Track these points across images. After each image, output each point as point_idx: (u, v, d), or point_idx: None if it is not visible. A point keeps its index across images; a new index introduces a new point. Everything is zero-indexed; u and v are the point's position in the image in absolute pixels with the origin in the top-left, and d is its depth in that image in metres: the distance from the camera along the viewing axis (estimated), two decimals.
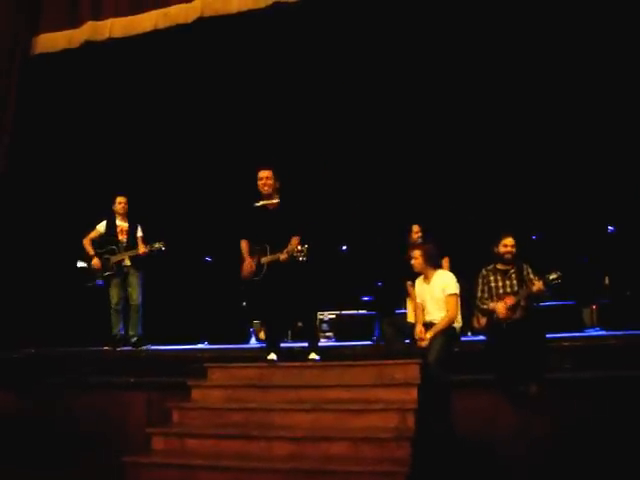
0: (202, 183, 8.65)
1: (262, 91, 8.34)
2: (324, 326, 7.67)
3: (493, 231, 5.18)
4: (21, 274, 7.38)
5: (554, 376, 4.57)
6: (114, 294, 6.54)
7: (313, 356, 4.99)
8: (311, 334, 5.30)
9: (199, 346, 6.77)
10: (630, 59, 7.00)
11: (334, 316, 7.82)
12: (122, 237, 6.62)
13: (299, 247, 5.00)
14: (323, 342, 6.88)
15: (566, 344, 4.87)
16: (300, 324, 6.90)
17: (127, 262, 6.55)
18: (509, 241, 4.94)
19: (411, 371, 4.45)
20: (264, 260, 5.21)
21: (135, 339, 6.44)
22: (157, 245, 6.45)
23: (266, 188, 5.24)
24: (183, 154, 8.76)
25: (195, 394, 4.64)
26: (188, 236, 7.57)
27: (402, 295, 5.83)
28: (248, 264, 5.27)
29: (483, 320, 4.94)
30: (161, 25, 6.90)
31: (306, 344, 5.23)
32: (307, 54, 7.97)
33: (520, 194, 7.83)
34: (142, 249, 6.47)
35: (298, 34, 7.61)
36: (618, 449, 4.30)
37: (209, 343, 6.45)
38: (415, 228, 6.03)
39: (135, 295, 6.53)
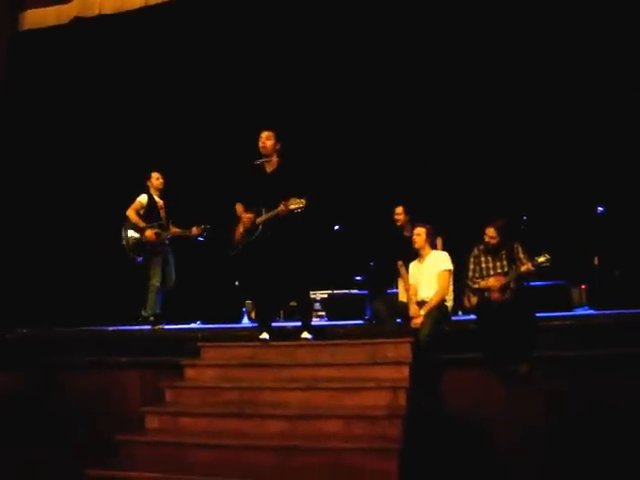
0: (201, 158, 8.58)
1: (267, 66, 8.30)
2: (316, 305, 7.71)
3: (483, 212, 5.22)
4: (17, 253, 7.37)
5: (543, 355, 4.63)
6: (156, 272, 6.33)
7: (305, 335, 4.98)
8: (304, 312, 5.26)
9: (192, 325, 6.78)
10: (617, 42, 7.04)
11: (326, 295, 7.86)
12: (162, 213, 6.46)
13: (297, 200, 4.91)
14: (315, 321, 6.91)
15: (555, 323, 4.91)
16: (293, 304, 6.94)
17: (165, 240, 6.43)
18: (489, 231, 5.00)
19: (403, 350, 4.50)
20: (259, 220, 5.11)
21: (153, 318, 6.30)
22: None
23: (264, 147, 5.16)
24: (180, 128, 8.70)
25: (188, 373, 4.67)
26: (180, 214, 7.52)
27: (394, 275, 5.87)
28: (247, 217, 5.14)
29: (474, 299, 4.99)
30: (152, 1, 6.80)
31: (298, 324, 5.25)
32: (312, 23, 7.95)
33: (510, 174, 7.85)
34: (195, 230, 6.30)
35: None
36: (607, 427, 4.38)
37: (202, 322, 6.45)
38: (398, 209, 6.00)
39: (174, 274, 6.43)
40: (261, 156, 5.22)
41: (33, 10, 7.53)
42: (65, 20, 7.46)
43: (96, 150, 8.41)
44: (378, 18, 7.82)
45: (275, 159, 5.23)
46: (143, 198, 6.41)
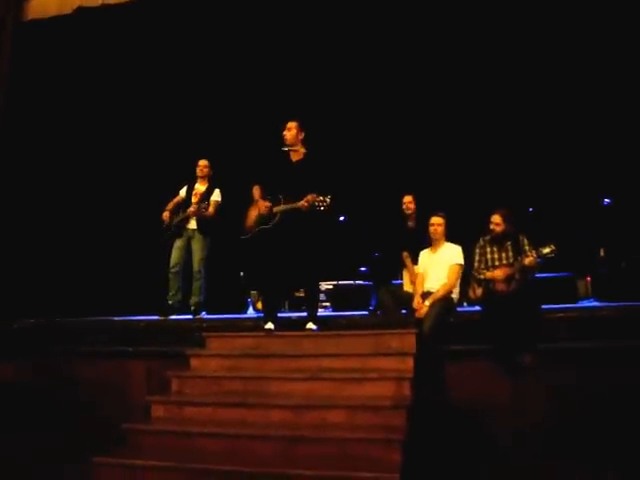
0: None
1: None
2: (321, 296, 7.71)
3: (490, 203, 5.20)
4: (24, 243, 7.41)
5: (548, 346, 4.63)
6: (172, 256, 6.37)
7: (310, 326, 5.01)
8: (311, 303, 5.26)
9: (197, 316, 6.80)
10: (623, 31, 7.00)
11: (331, 286, 7.87)
12: (194, 199, 6.44)
13: (321, 197, 4.90)
14: (320, 312, 6.90)
15: (561, 315, 4.91)
16: (299, 294, 6.93)
17: (192, 225, 6.39)
18: (494, 218, 5.00)
19: (408, 340, 4.50)
20: (277, 209, 5.08)
21: (193, 307, 6.33)
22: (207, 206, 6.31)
23: (287, 137, 5.20)
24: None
25: (194, 363, 4.69)
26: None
27: (399, 266, 5.86)
28: (264, 205, 5.11)
29: (479, 291, 4.99)
30: None
31: (303, 314, 5.25)
32: (317, 16, 7.97)
33: (518, 165, 7.82)
34: (190, 208, 6.32)
35: None
36: (611, 418, 4.38)
37: (207, 313, 6.47)
38: (407, 199, 5.98)
39: (195, 260, 6.35)
40: (287, 146, 5.24)
41: (36, 0, 7.51)
42: (68, 10, 7.45)
43: (103, 139, 8.44)
44: (384, 9, 7.78)
45: (301, 150, 5.24)
46: (182, 190, 6.59)
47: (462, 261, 5.14)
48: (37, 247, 7.65)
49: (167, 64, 8.46)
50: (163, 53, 8.38)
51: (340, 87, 8.31)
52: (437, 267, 5.18)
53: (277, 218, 5.08)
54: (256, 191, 5.27)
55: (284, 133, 5.22)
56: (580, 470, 4.10)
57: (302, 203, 4.92)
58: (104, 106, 8.44)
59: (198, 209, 6.27)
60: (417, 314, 4.87)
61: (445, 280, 5.04)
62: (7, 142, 7.39)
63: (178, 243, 6.41)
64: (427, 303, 4.85)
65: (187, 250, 6.42)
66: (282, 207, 5.07)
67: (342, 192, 5.24)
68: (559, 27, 7.41)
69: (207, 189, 6.51)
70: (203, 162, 6.59)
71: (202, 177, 6.57)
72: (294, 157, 5.24)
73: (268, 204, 5.12)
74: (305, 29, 8.17)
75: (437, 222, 5.25)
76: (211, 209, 6.35)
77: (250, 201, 5.34)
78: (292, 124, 5.23)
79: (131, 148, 8.50)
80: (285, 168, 5.18)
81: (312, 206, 4.91)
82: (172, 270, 6.38)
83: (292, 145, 5.21)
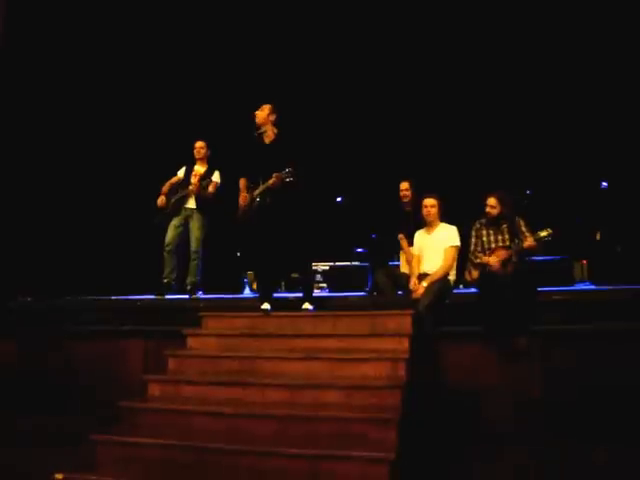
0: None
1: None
2: (318, 277, 7.73)
3: (487, 187, 5.20)
4: (21, 222, 7.40)
5: (543, 329, 4.66)
6: (167, 235, 6.36)
7: (307, 306, 5.04)
8: (306, 284, 5.30)
9: (194, 296, 6.81)
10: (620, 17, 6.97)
11: (328, 267, 7.88)
12: (194, 180, 6.41)
13: (286, 169, 4.94)
14: (317, 293, 6.94)
15: (556, 297, 4.94)
16: (294, 275, 6.94)
17: (191, 204, 6.38)
18: (490, 201, 5.01)
19: (404, 321, 4.51)
20: (255, 193, 5.16)
21: (189, 286, 6.34)
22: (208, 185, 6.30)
23: (258, 116, 5.22)
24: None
25: (190, 342, 4.71)
26: None
27: (396, 247, 5.87)
28: (243, 197, 5.23)
29: (475, 273, 5.00)
30: None
31: (300, 295, 5.27)
32: None
33: (514, 149, 7.81)
34: (191, 186, 6.30)
35: None
36: (604, 400, 4.42)
37: (204, 293, 6.48)
38: (404, 185, 5.95)
39: (193, 240, 6.34)
40: (256, 128, 5.25)
41: None
42: None
43: (99, 117, 8.38)
44: None
45: (271, 131, 5.25)
46: (180, 172, 6.58)
47: (458, 242, 5.14)
48: (33, 226, 7.62)
49: (166, 43, 8.38)
50: (161, 31, 8.30)
51: (336, 71, 8.27)
52: (433, 248, 5.17)
53: (256, 202, 5.15)
54: (242, 182, 5.36)
55: (255, 113, 5.25)
56: (572, 451, 4.15)
57: (272, 180, 4.97)
58: (100, 83, 8.37)
59: (199, 187, 6.26)
60: (413, 295, 4.89)
61: (441, 262, 5.05)
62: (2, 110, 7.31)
63: (174, 221, 6.39)
64: (424, 284, 4.86)
65: (184, 229, 6.40)
66: (259, 189, 5.14)
67: (321, 162, 5.22)
68: (555, 9, 7.35)
69: (207, 170, 6.50)
70: (199, 143, 6.57)
71: (200, 159, 6.55)
72: (267, 139, 5.26)
73: (246, 196, 5.22)
74: (297, 10, 8.09)
75: (430, 204, 5.21)
76: (211, 188, 6.33)
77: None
78: (265, 105, 5.27)
79: (127, 127, 8.44)
80: (259, 151, 5.22)
81: (282, 181, 4.95)
82: (167, 248, 6.36)
83: (262, 125, 5.23)
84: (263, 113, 5.22)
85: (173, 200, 6.38)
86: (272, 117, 5.24)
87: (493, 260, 4.85)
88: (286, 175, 4.93)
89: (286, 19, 8.25)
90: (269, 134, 5.24)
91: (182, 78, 8.63)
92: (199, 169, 6.51)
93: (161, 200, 6.39)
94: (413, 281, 5.04)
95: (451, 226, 5.27)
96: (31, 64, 7.74)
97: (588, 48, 7.40)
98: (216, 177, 6.46)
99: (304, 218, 5.15)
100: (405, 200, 5.90)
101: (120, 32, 8.27)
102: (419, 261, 5.23)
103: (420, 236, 5.34)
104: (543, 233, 4.74)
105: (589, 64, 7.45)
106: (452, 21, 7.81)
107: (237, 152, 5.42)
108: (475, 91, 7.96)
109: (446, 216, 5.33)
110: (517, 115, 7.82)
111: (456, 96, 8.01)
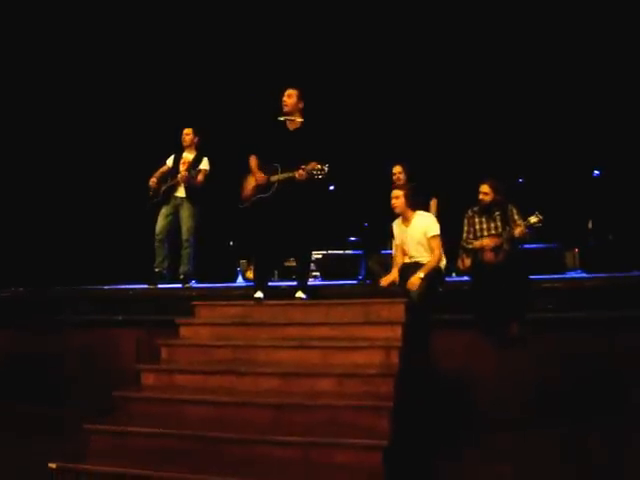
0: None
1: None
2: (311, 266, 7.72)
3: (480, 174, 5.19)
4: (14, 213, 7.36)
5: (535, 316, 4.69)
6: (157, 224, 6.30)
7: (300, 294, 5.02)
8: (302, 273, 5.26)
9: (186, 285, 6.79)
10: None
11: (320, 256, 7.88)
12: (182, 168, 6.33)
13: (319, 166, 4.85)
14: (310, 281, 6.91)
15: (548, 285, 4.96)
16: (289, 263, 6.93)
17: (181, 193, 6.29)
18: (483, 188, 5.01)
19: (396, 309, 4.51)
20: (274, 178, 5.05)
21: (182, 275, 6.28)
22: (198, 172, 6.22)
23: (285, 105, 5.13)
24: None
25: (183, 331, 4.70)
26: None
27: (388, 235, 5.85)
28: (260, 176, 5.10)
29: (468, 261, 5.00)
30: None
31: (293, 283, 5.25)
32: None
33: (507, 137, 7.81)
34: (180, 175, 6.20)
35: None
36: (596, 386, 4.46)
37: (197, 282, 6.46)
38: (397, 169, 5.91)
39: (184, 229, 6.26)
40: (284, 114, 5.16)
41: None
42: None
43: (88, 107, 8.32)
44: None
45: (298, 119, 5.17)
46: (169, 160, 6.51)
47: (438, 230, 5.03)
48: (25, 216, 7.57)
49: (156, 28, 8.30)
50: (149, 19, 8.23)
51: (332, 57, 8.22)
52: (414, 238, 5.09)
53: (275, 187, 5.05)
54: (253, 161, 5.23)
55: (284, 99, 5.14)
56: (564, 437, 4.19)
57: (300, 172, 4.88)
58: (90, 73, 8.29)
59: (188, 176, 6.20)
60: (408, 283, 4.83)
61: (429, 252, 5.01)
62: None
63: (164, 210, 6.33)
64: (421, 275, 4.81)
65: (174, 218, 6.34)
66: (279, 176, 5.03)
67: (339, 162, 5.17)
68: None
69: (195, 157, 6.42)
70: (187, 130, 6.49)
71: (188, 146, 6.47)
72: (291, 126, 5.18)
73: (263, 176, 5.09)
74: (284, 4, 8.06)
75: (395, 195, 5.11)
76: (200, 177, 6.27)
77: (245, 171, 5.30)
78: (293, 91, 5.16)
79: (118, 116, 8.38)
80: (282, 137, 5.12)
81: (310, 175, 4.87)
82: (157, 237, 6.32)
83: (291, 113, 5.14)
84: (292, 100, 5.12)
85: (163, 188, 6.33)
86: (300, 104, 5.17)
87: (487, 242, 4.85)
88: (317, 173, 4.84)
89: (274, 12, 8.18)
90: (295, 121, 5.16)
91: (171, 65, 8.55)
92: (187, 156, 6.44)
93: (152, 181, 6.34)
94: (394, 271, 5.05)
95: (427, 214, 5.22)
96: (22, 53, 7.66)
97: (579, 37, 7.40)
98: (205, 164, 6.38)
99: (316, 209, 5.10)
100: (398, 184, 5.88)
101: (109, 21, 8.18)
102: (402, 252, 5.20)
103: (398, 227, 5.26)
104: (534, 219, 4.73)
105: (580, 53, 7.45)
106: (445, 11, 7.77)
107: (253, 131, 5.32)
108: (468, 79, 7.95)
109: (441, 205, 5.31)
110: (510, 103, 7.82)
111: (450, 84, 7.99)
